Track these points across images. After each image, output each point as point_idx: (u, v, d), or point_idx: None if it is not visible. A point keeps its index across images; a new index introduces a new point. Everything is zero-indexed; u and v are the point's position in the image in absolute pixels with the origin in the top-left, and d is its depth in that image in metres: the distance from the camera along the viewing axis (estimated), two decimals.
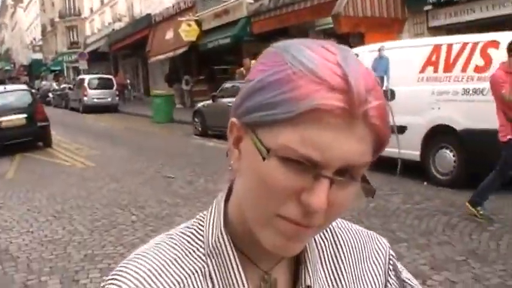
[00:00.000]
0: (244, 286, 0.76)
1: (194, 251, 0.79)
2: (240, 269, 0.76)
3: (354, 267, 0.87)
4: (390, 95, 9.17)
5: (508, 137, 6.21)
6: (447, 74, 8.54)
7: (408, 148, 8.59)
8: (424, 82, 8.89)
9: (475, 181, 6.80)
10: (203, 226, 0.81)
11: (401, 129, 8.60)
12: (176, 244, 0.80)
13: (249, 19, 21.52)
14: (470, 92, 8.12)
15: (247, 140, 0.71)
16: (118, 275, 0.75)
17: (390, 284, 0.90)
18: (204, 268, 0.77)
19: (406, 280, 0.91)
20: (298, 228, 0.68)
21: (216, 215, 0.80)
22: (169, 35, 28.01)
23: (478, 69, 8.10)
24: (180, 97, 26.78)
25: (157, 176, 9.98)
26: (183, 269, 0.77)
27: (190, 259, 0.78)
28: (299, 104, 0.63)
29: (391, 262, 0.91)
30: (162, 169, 10.63)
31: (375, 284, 0.88)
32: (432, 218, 6.67)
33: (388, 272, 0.90)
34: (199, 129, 16.55)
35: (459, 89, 8.23)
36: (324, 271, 0.85)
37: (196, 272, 0.77)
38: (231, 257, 0.76)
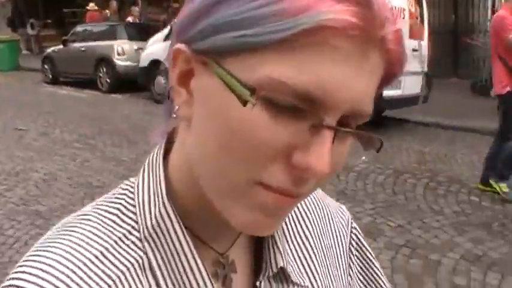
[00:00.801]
0: (202, 276, 0.57)
1: (125, 236, 0.58)
2: (195, 254, 0.57)
3: (320, 240, 0.74)
4: None
5: (508, 89, 5.29)
6: None
7: None
8: None
9: None
10: (133, 199, 0.60)
11: None
12: (97, 229, 0.57)
13: None
14: None
15: (205, 75, 0.51)
16: (15, 285, 0.51)
17: (353, 263, 0.76)
18: (142, 258, 0.57)
19: (370, 262, 0.78)
20: (284, 199, 0.50)
21: (153, 184, 0.59)
22: None
23: None
24: (26, 42, 24.99)
25: (7, 129, 9.14)
26: (113, 264, 0.55)
27: (122, 248, 0.57)
28: (296, 19, 0.44)
29: (353, 236, 0.78)
30: (12, 121, 9.77)
31: (341, 262, 0.75)
32: None
33: (350, 247, 0.76)
34: (50, 76, 15.52)
35: None
36: (291, 248, 0.69)
37: (133, 265, 0.56)
38: (182, 239, 0.57)
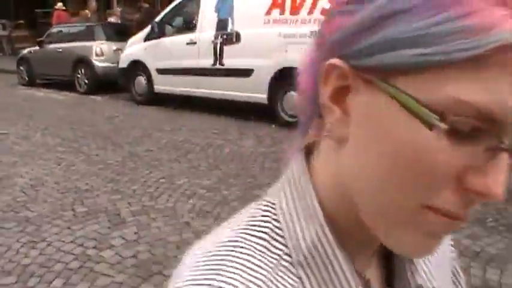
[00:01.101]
0: None
1: (279, 263, 0.55)
2: (356, 278, 0.55)
3: (436, 255, 0.69)
4: (236, 37, 9.06)
5: None
6: (294, 17, 8.60)
7: (255, 91, 8.67)
8: (270, 24, 8.85)
9: None
10: (278, 221, 0.57)
11: (248, 73, 8.58)
12: (253, 256, 0.54)
13: None
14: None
15: (367, 93, 0.48)
16: None
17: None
18: (297, 284, 0.54)
19: (460, 278, 0.77)
20: (452, 222, 0.48)
21: (302, 203, 0.56)
22: None
23: (324, 12, 8.19)
24: None
25: None
26: None
27: (279, 276, 0.54)
28: (483, 37, 0.41)
29: (452, 255, 0.76)
30: None
31: (449, 277, 0.73)
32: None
33: (451, 262, 0.75)
34: (26, 78, 15.27)
35: (306, 32, 8.28)
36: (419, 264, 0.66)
37: None
38: (342, 262, 0.55)
